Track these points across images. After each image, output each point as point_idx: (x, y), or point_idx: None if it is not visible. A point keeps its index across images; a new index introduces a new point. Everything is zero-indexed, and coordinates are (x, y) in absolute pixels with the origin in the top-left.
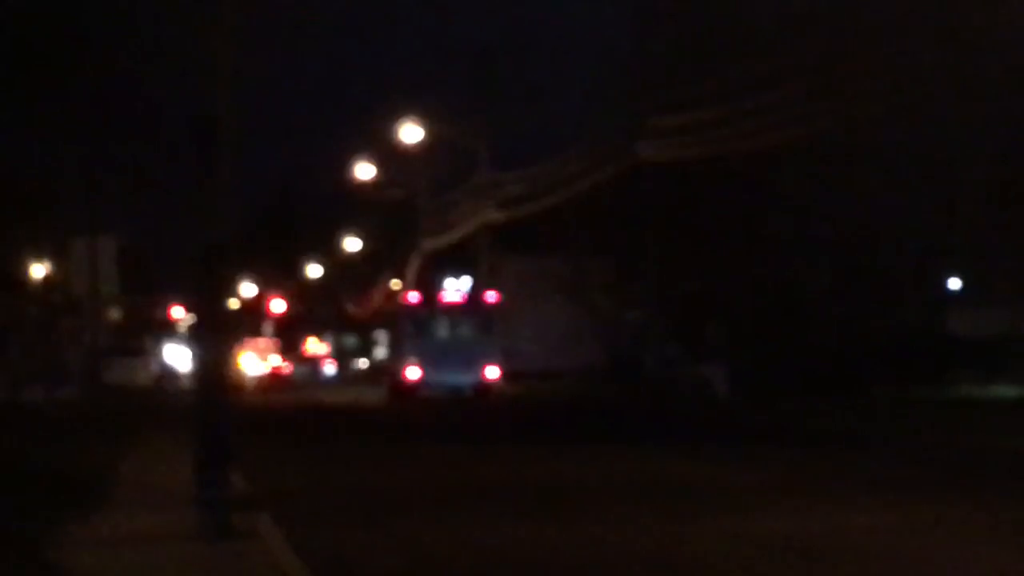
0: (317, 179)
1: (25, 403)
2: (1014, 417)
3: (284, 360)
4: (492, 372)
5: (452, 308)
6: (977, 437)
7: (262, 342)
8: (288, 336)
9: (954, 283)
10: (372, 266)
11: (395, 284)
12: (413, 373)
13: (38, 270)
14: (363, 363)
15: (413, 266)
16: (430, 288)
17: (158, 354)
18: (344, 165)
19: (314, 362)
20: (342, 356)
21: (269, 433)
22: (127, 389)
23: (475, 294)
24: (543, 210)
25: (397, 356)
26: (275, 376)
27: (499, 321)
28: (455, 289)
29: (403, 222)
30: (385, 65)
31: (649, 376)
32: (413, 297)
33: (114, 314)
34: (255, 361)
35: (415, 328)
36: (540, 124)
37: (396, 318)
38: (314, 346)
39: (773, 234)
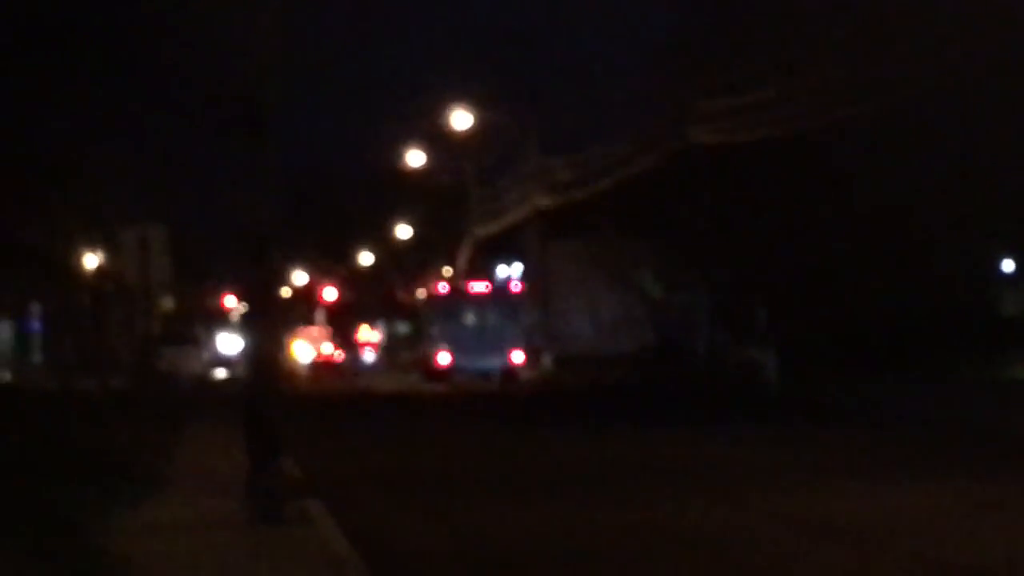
0: (367, 166)
1: (77, 392)
2: None
3: (336, 348)
4: (517, 356)
5: (479, 297)
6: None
7: (314, 330)
8: (340, 324)
9: (1007, 265)
10: (423, 253)
11: (446, 271)
12: (444, 359)
13: (90, 260)
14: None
15: (464, 253)
16: (480, 274)
17: (211, 343)
18: (394, 152)
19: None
20: (393, 343)
21: (320, 420)
22: (179, 378)
23: (500, 284)
24: (593, 195)
25: (429, 343)
26: (327, 364)
27: (523, 309)
28: (482, 280)
29: (453, 209)
30: (434, 50)
31: (698, 360)
32: (443, 287)
33: (166, 303)
34: (307, 349)
35: (445, 316)
36: (589, 109)
37: (427, 307)
38: (366, 334)
39: (822, 216)
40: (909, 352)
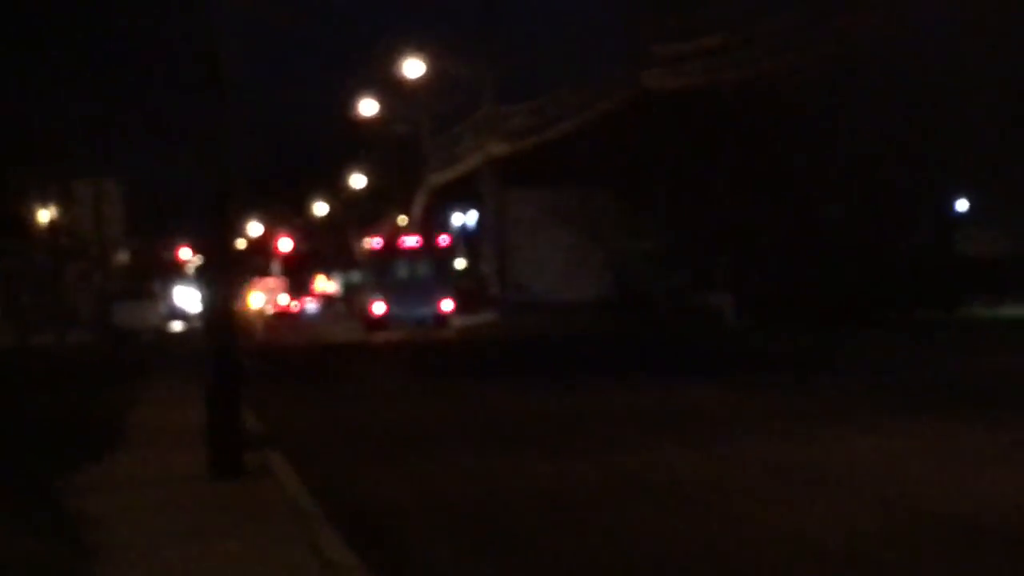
0: (321, 116)
1: (35, 348)
2: (1019, 339)
3: (292, 299)
4: (447, 305)
5: (410, 251)
6: (986, 358)
7: (270, 281)
8: (296, 275)
9: (962, 205)
10: (378, 202)
11: (402, 220)
12: (379, 308)
13: (44, 215)
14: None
15: (419, 201)
16: (435, 223)
17: (167, 296)
18: (348, 101)
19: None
20: (350, 293)
21: (277, 372)
22: (136, 332)
23: (429, 238)
24: (549, 142)
25: (366, 294)
26: (283, 315)
27: (452, 261)
28: (413, 235)
29: (408, 157)
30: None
31: (658, 306)
32: (376, 243)
33: (122, 257)
34: (264, 300)
35: (379, 269)
36: (543, 55)
37: (364, 261)
38: (323, 284)
39: (784, 162)
40: (870, 298)
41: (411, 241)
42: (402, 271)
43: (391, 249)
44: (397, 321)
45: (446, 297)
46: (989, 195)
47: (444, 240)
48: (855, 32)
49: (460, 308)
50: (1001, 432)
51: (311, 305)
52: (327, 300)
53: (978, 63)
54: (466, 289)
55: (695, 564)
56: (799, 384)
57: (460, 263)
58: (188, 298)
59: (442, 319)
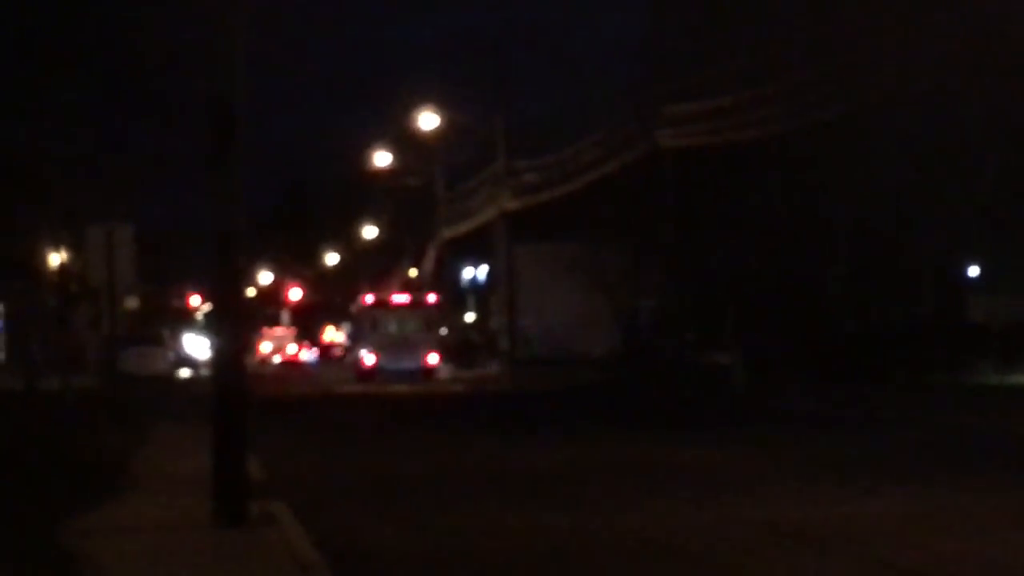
0: (333, 166)
1: (42, 392)
2: None
3: (301, 348)
4: (432, 358)
5: (400, 307)
6: (992, 423)
7: (279, 330)
8: (306, 324)
9: (973, 271)
10: (389, 254)
11: (412, 272)
12: (369, 360)
13: (54, 259)
14: None
15: (430, 254)
16: (446, 277)
17: (177, 343)
18: (360, 152)
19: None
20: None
21: (283, 420)
22: (143, 378)
23: (418, 296)
24: (560, 197)
25: (358, 347)
26: (292, 364)
27: (440, 318)
28: (402, 293)
29: (420, 210)
30: (401, 53)
31: (665, 363)
32: (368, 299)
33: (131, 303)
34: (272, 349)
35: (371, 324)
36: (556, 112)
37: (357, 316)
38: (331, 334)
39: (790, 221)
40: (878, 359)
41: (401, 298)
42: (392, 326)
43: (382, 305)
44: (385, 372)
45: (432, 351)
46: (1000, 261)
47: (432, 298)
48: (865, 95)
49: (468, 362)
50: (1000, 497)
51: (309, 355)
52: (334, 350)
53: (987, 129)
54: (475, 343)
55: None
56: (803, 444)
57: (470, 317)
58: (197, 345)
59: (428, 372)
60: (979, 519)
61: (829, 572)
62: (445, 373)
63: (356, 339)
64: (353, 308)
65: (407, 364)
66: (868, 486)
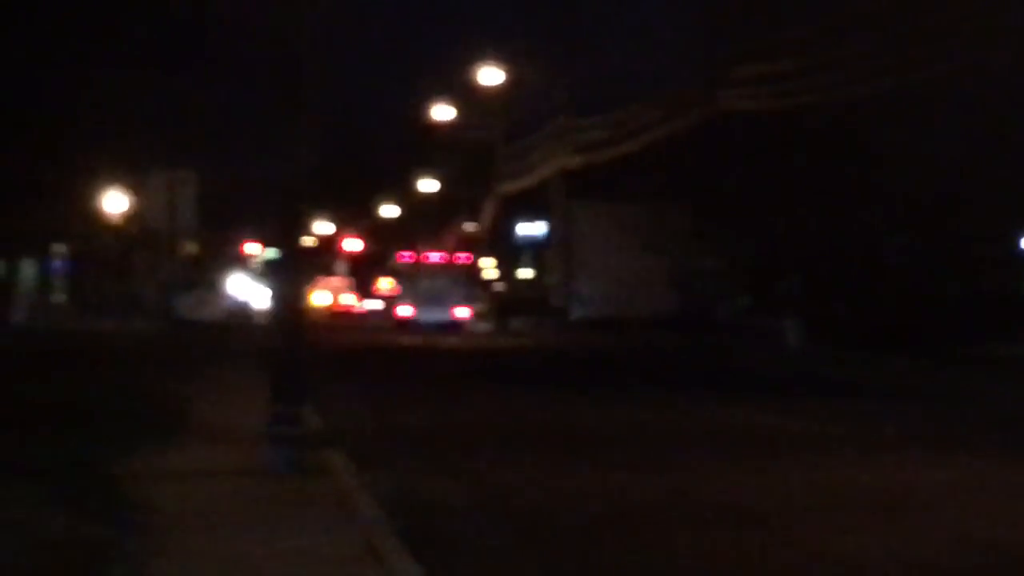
0: (394, 119)
1: (101, 334)
2: None
3: (357, 299)
4: (461, 312)
5: (434, 265)
6: None
7: (335, 280)
8: (362, 275)
9: None
10: (447, 208)
11: (469, 226)
12: (405, 312)
13: (117, 203)
14: None
15: (488, 209)
16: (503, 231)
17: (231, 289)
18: (421, 106)
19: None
20: None
21: (338, 370)
22: (199, 323)
23: (451, 255)
24: (620, 156)
25: (396, 300)
26: (347, 314)
27: (471, 275)
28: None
29: (480, 165)
30: (465, 6)
31: (720, 326)
32: (405, 255)
33: (190, 248)
34: (328, 299)
35: (408, 279)
36: (620, 69)
37: (395, 271)
38: (385, 285)
39: (853, 188)
40: (935, 329)
41: (435, 257)
42: (425, 281)
43: (417, 261)
44: (419, 323)
45: (462, 306)
46: None
47: (463, 257)
48: (930, 66)
49: (523, 317)
50: None
51: (370, 304)
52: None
53: None
54: (530, 299)
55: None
56: (858, 413)
57: (526, 273)
58: (252, 292)
59: (457, 325)
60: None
61: (905, 541)
62: (479, 327)
63: (394, 292)
64: (390, 263)
65: (438, 317)
66: (928, 456)
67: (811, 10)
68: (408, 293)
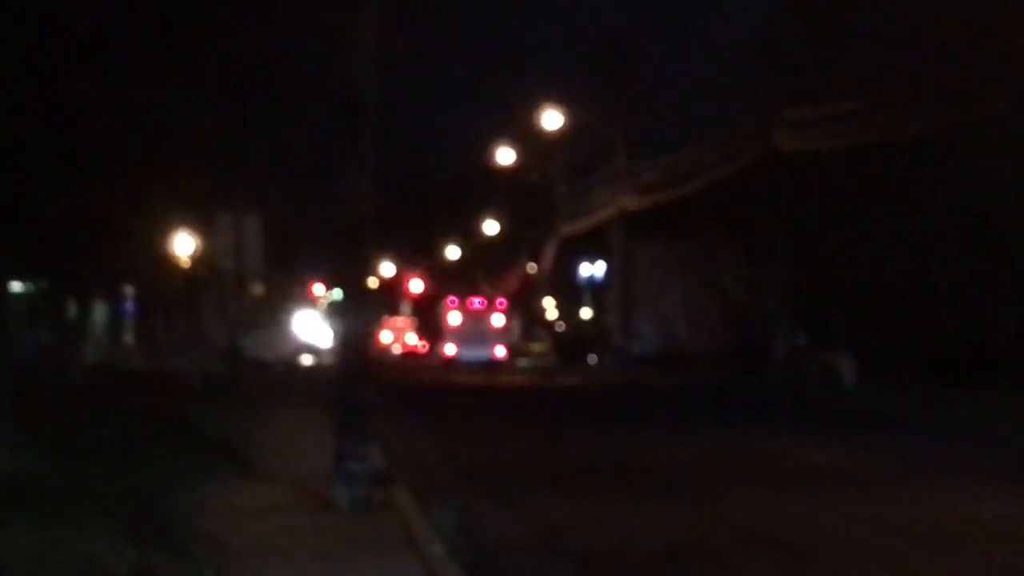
0: (457, 161)
1: (169, 373)
2: None
3: (420, 339)
4: (499, 351)
5: (476, 309)
6: None
7: (399, 321)
8: (425, 315)
9: None
10: (509, 249)
11: (531, 267)
12: (449, 351)
13: (184, 245)
14: None
15: (549, 250)
16: (562, 272)
17: (298, 329)
18: (485, 148)
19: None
20: None
21: (402, 408)
22: (266, 362)
23: (490, 301)
24: (678, 197)
25: (441, 340)
26: (411, 354)
27: (507, 319)
28: (480, 299)
29: (540, 206)
30: (524, 51)
31: (777, 363)
32: (452, 301)
33: (257, 289)
34: (392, 339)
35: (452, 322)
36: (676, 112)
37: (442, 314)
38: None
39: (905, 226)
40: (987, 363)
41: (476, 303)
42: (466, 324)
43: (462, 306)
44: (461, 361)
45: (499, 345)
46: None
47: (501, 303)
48: (978, 108)
49: (567, 356)
50: None
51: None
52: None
53: None
54: (586, 336)
55: None
56: (911, 448)
57: (586, 312)
58: (319, 332)
59: (495, 363)
60: None
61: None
62: (547, 362)
63: (440, 333)
64: (438, 308)
65: (479, 355)
66: (974, 490)
67: (866, 49)
68: (452, 334)
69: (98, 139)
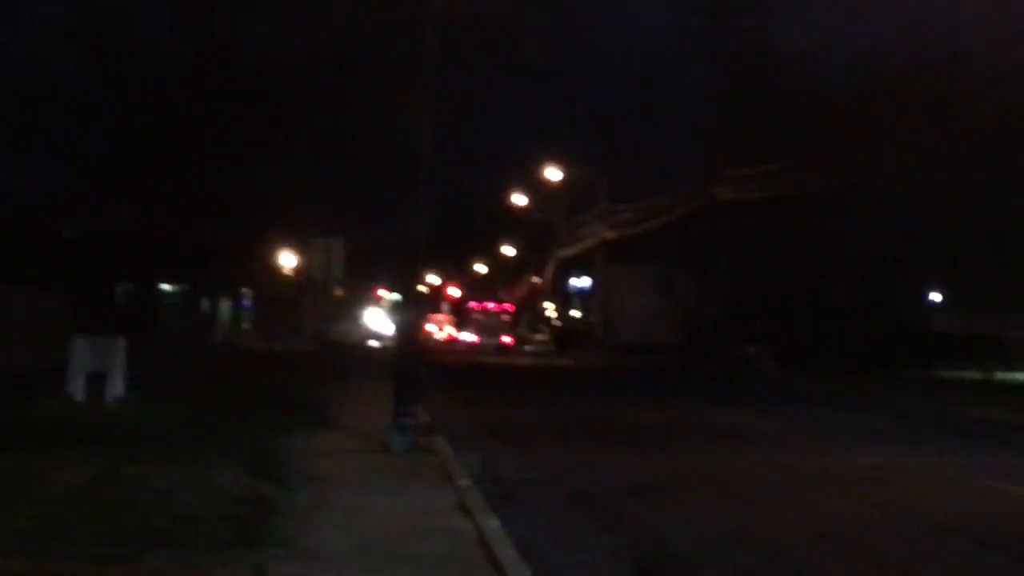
0: (484, 201)
1: (274, 353)
2: (976, 393)
3: (455, 329)
4: (506, 339)
5: (489, 310)
6: (949, 406)
7: (441, 316)
8: (458, 313)
9: (936, 296)
10: (520, 266)
11: (536, 280)
12: (473, 338)
13: (288, 260)
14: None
15: (549, 269)
16: (555, 285)
17: (364, 321)
18: (504, 192)
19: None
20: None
21: (442, 380)
22: (344, 345)
23: (499, 303)
24: (643, 232)
25: (468, 330)
26: (448, 341)
27: (513, 317)
28: (491, 301)
29: (544, 236)
30: (536, 123)
31: (716, 353)
32: (475, 304)
33: (338, 292)
34: (435, 330)
35: (473, 317)
36: (645, 170)
37: (465, 312)
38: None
39: (811, 256)
40: (869, 357)
41: (491, 305)
42: (483, 320)
43: (480, 307)
44: (480, 345)
45: (506, 335)
46: (957, 291)
47: (509, 306)
48: (860, 173)
49: (562, 345)
50: (954, 456)
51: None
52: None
53: (958, 195)
54: (577, 331)
55: (731, 531)
56: (811, 415)
57: (576, 313)
58: (382, 324)
59: (503, 346)
60: (940, 470)
61: (849, 510)
62: (545, 350)
63: (465, 326)
64: (466, 308)
65: (492, 341)
66: (858, 446)
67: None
68: (473, 326)
69: (229, 189)
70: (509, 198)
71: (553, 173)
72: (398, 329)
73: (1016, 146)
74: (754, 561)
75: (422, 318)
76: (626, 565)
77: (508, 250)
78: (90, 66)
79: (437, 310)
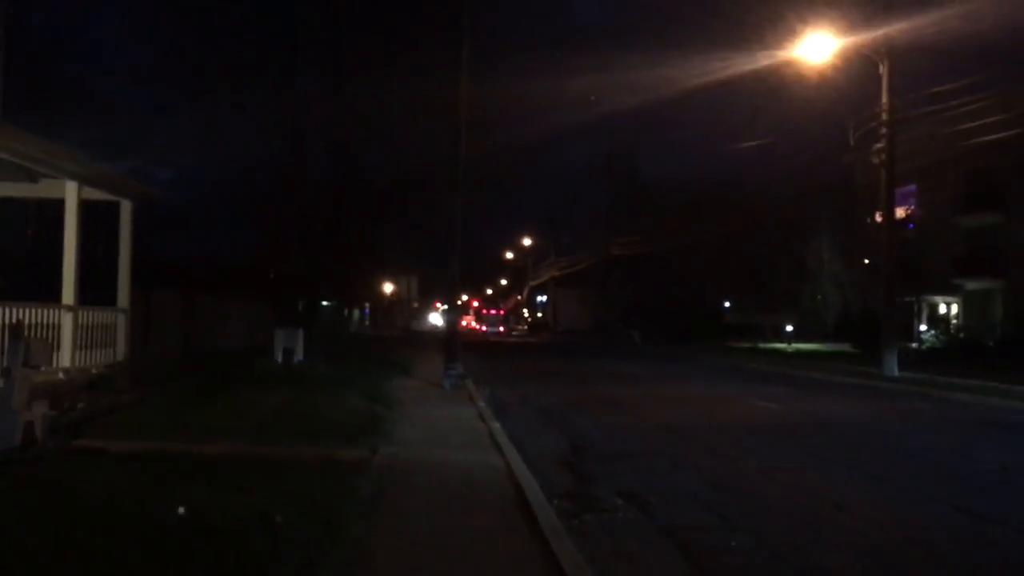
0: (489, 253)
1: (381, 337)
2: (749, 354)
3: (478, 324)
4: (501, 329)
5: (492, 313)
6: (735, 361)
7: (467, 317)
8: (476, 315)
9: (728, 303)
10: (510, 290)
11: (518, 297)
12: (482, 329)
13: (386, 286)
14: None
15: (525, 291)
16: (528, 300)
17: (430, 318)
18: (502, 249)
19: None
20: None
21: (470, 350)
22: (419, 332)
23: (499, 309)
24: (575, 272)
25: (480, 324)
26: (471, 330)
27: (507, 317)
28: (495, 307)
29: (522, 274)
30: (512, 210)
31: (608, 333)
32: (484, 310)
33: (415, 304)
34: (464, 324)
35: (481, 316)
36: (573, 237)
37: (477, 313)
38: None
39: (671, 284)
40: (692, 335)
41: (493, 311)
42: (488, 318)
43: (486, 311)
44: (486, 333)
45: (503, 327)
46: (737, 300)
47: (502, 312)
48: (694, 238)
49: (533, 332)
50: (741, 387)
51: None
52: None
53: (739, 250)
54: (540, 324)
55: (621, 427)
56: (663, 365)
57: (539, 315)
58: (438, 320)
59: (500, 334)
60: (728, 395)
61: (702, 417)
62: (522, 334)
63: (479, 321)
64: (479, 313)
65: (494, 331)
66: (688, 383)
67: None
68: (483, 322)
69: (359, 248)
70: (504, 254)
71: (526, 241)
72: (446, 323)
73: (771, 228)
74: (633, 443)
75: (458, 317)
76: (566, 444)
77: (503, 280)
78: (283, 182)
79: (466, 312)
